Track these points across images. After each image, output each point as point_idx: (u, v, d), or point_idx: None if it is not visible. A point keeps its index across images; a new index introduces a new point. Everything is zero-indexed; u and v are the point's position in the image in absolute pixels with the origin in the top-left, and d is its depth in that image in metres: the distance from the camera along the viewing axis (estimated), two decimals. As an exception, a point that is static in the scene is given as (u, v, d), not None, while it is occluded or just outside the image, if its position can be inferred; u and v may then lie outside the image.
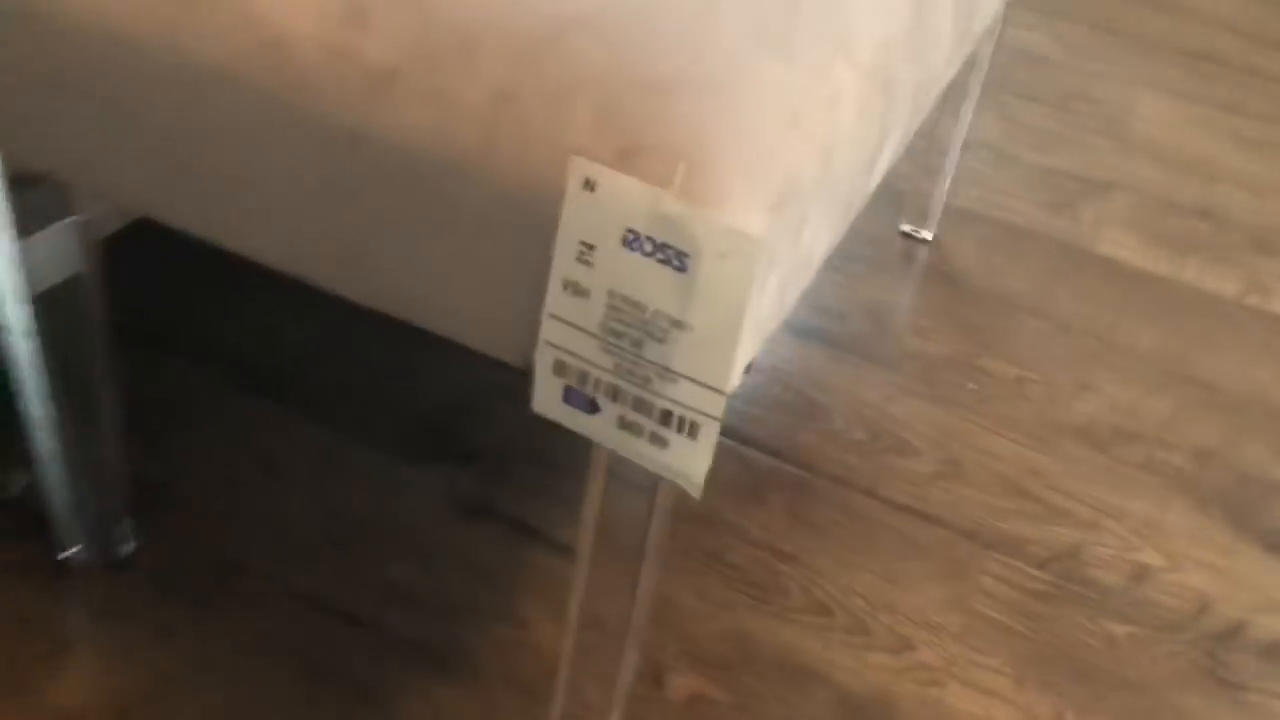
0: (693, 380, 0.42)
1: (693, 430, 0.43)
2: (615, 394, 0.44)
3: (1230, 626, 0.87)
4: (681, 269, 0.40)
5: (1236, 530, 0.95)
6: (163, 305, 0.97)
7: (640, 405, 0.43)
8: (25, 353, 0.68)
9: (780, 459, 0.94)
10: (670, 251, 0.40)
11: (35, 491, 0.74)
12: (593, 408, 0.44)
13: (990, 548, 0.89)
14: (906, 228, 1.21)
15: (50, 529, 0.76)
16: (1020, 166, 1.35)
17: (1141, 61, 1.58)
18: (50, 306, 0.67)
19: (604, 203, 0.40)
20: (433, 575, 0.80)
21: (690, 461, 0.44)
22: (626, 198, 0.40)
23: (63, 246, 0.65)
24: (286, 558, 0.79)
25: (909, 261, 1.18)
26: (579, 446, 0.48)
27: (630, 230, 0.40)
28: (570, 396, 0.45)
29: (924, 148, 1.16)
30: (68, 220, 0.65)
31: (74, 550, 0.76)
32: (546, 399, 0.45)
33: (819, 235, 0.49)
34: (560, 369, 0.44)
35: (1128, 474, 0.98)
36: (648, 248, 0.40)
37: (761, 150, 0.42)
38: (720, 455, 0.92)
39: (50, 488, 0.74)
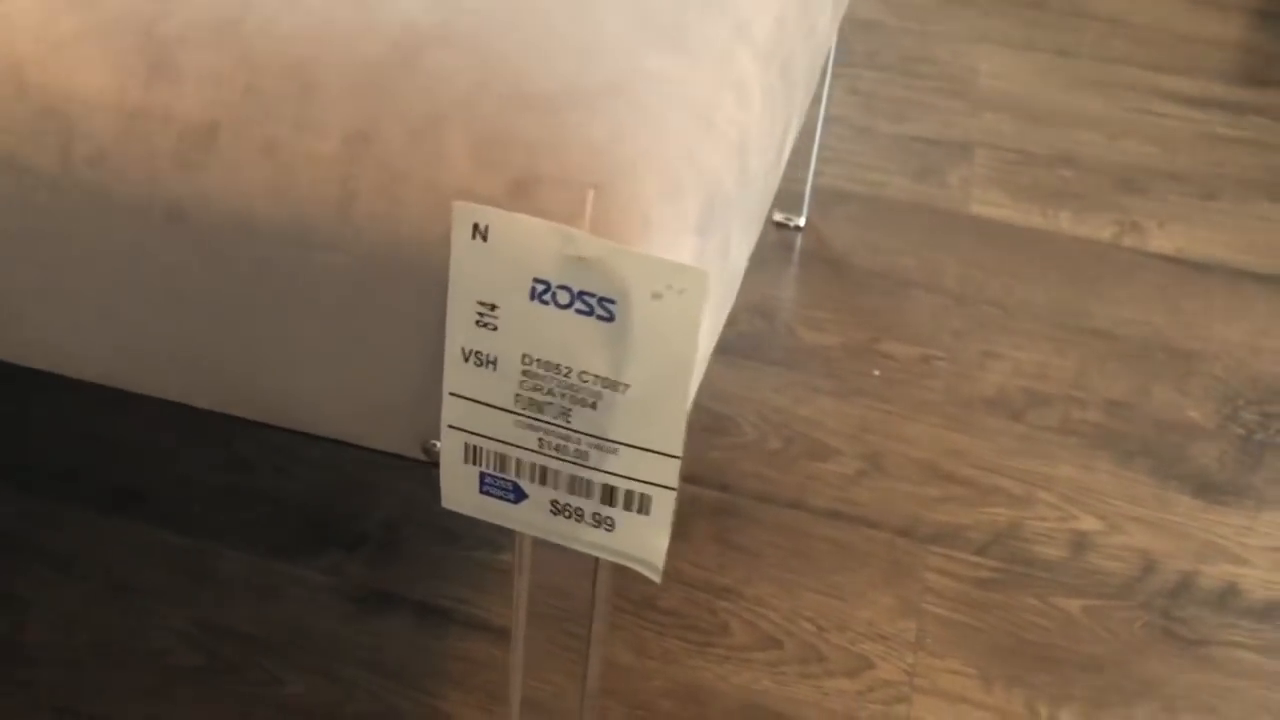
0: (637, 448, 0.34)
1: (643, 505, 0.36)
2: (544, 476, 0.36)
3: (1179, 581, 0.84)
4: (608, 318, 0.33)
5: (1163, 480, 0.92)
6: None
7: (575, 485, 0.36)
8: None
9: (696, 483, 0.87)
10: (591, 300, 0.33)
11: None
12: (518, 495, 0.37)
13: (928, 542, 0.85)
14: (778, 217, 1.16)
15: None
16: (879, 138, 1.31)
17: (970, 14, 1.58)
18: None
19: (501, 251, 0.33)
20: (339, 685, 0.71)
21: (644, 541, 0.36)
22: (528, 242, 0.32)
23: None
24: (157, 699, 0.69)
25: (787, 251, 1.13)
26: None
27: (538, 280, 0.33)
28: (488, 485, 0.37)
29: (784, 132, 1.11)
30: None
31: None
32: (458, 492, 0.38)
33: (741, 248, 0.43)
34: (472, 455, 0.36)
35: (1048, 439, 0.94)
36: (563, 298, 0.33)
37: (676, 162, 0.35)
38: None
39: None
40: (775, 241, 1.14)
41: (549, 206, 0.33)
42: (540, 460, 0.36)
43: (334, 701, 0.70)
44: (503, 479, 0.37)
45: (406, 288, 0.34)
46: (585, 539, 0.37)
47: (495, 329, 0.34)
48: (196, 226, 0.34)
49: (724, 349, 1.00)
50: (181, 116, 0.34)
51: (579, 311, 0.33)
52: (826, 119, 1.27)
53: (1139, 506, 0.89)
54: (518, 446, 0.36)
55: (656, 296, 0.32)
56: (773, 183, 0.48)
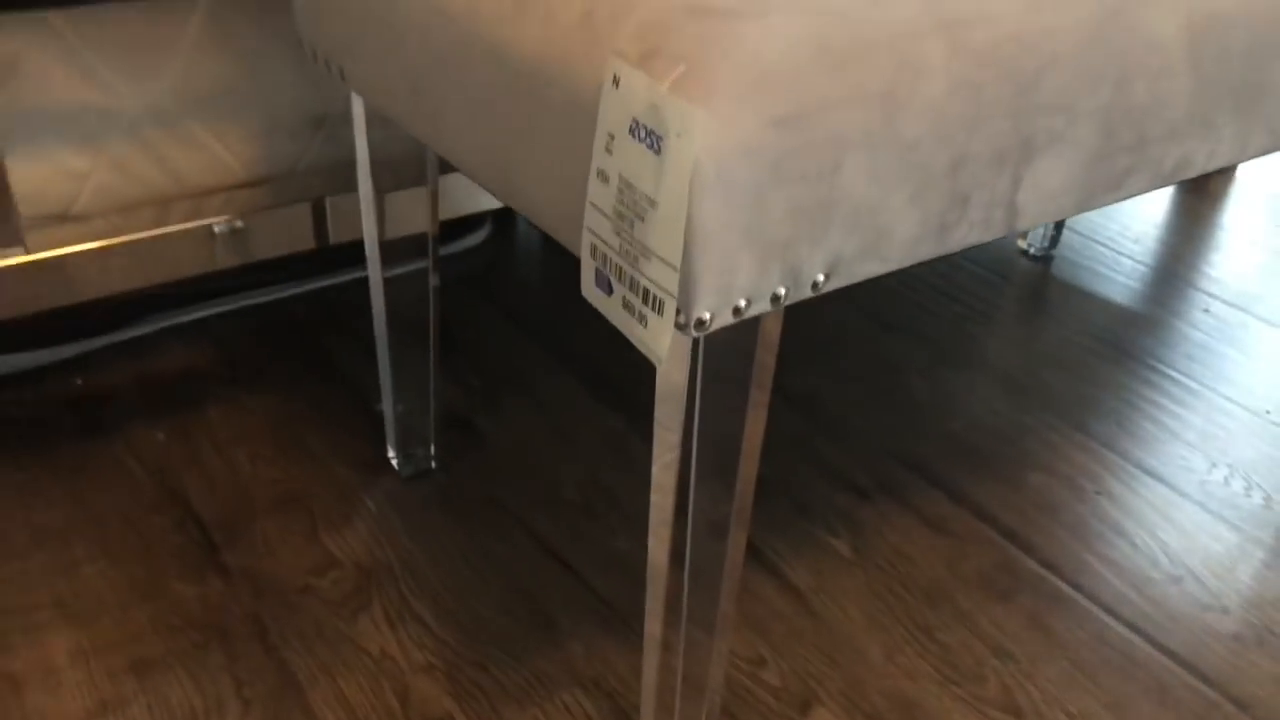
0: (659, 257, 0.46)
1: (659, 307, 0.47)
2: (620, 274, 0.49)
3: None
4: (656, 150, 0.45)
5: None
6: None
7: (633, 285, 0.49)
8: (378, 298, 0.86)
9: (1050, 567, 0.87)
10: (653, 136, 0.46)
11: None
12: (609, 289, 0.51)
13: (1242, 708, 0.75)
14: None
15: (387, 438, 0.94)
16: None
17: None
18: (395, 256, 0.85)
19: (622, 96, 0.47)
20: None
21: (658, 338, 0.48)
22: (634, 91, 0.47)
23: (417, 206, 0.84)
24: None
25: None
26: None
27: (634, 119, 0.47)
28: (599, 279, 0.51)
29: None
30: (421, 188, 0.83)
31: (394, 456, 0.94)
32: (587, 284, 0.52)
33: (889, 198, 0.51)
34: (593, 252, 0.51)
35: None
36: (642, 134, 0.46)
37: (775, 70, 0.46)
38: (989, 548, 0.88)
39: (385, 409, 0.92)
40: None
41: (657, 71, 0.46)
42: (619, 261, 0.49)
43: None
44: (604, 274, 0.51)
45: (589, 121, 0.50)
46: (634, 333, 0.49)
47: (611, 154, 0.48)
48: (510, 62, 0.54)
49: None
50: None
51: (646, 145, 0.46)
52: None
53: None
54: (610, 247, 0.50)
55: (679, 134, 0.44)
56: (975, 191, 0.54)
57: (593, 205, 0.50)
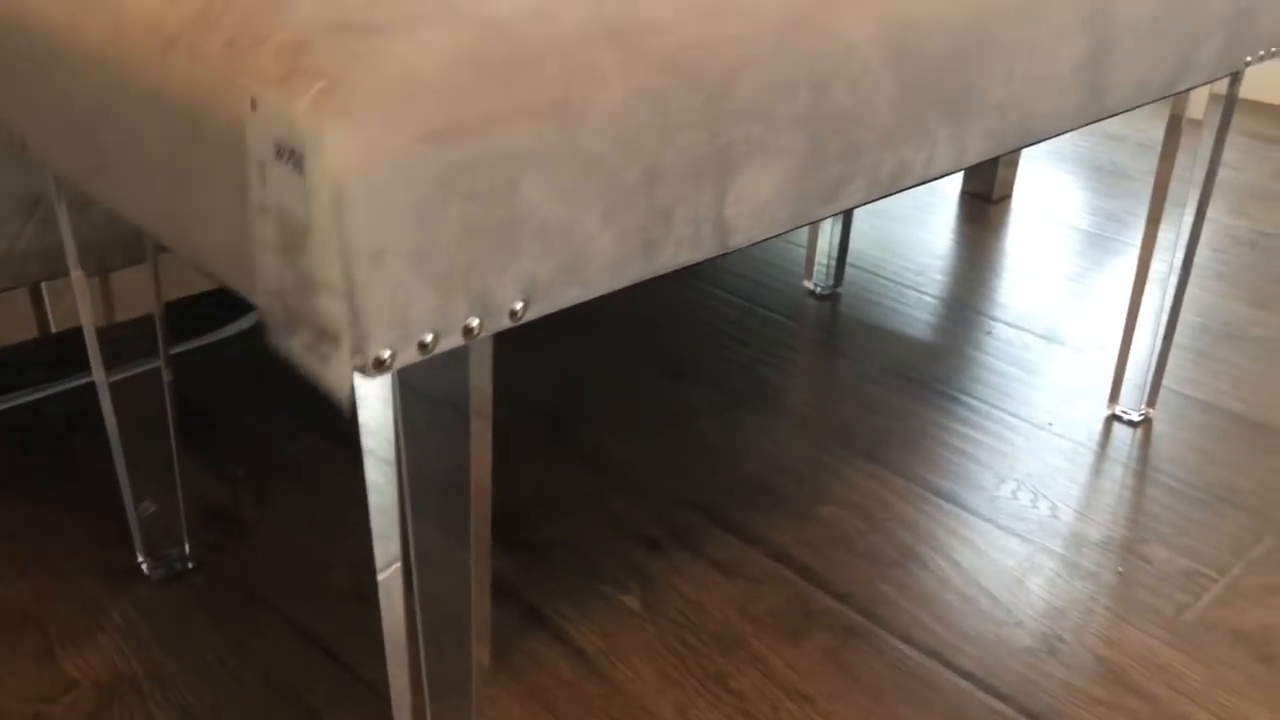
0: (324, 285, 0.42)
1: (334, 341, 0.43)
2: (296, 313, 0.45)
3: None
4: (301, 171, 0.42)
5: None
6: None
7: (309, 321, 0.44)
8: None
9: (844, 600, 0.85)
10: (295, 157, 0.42)
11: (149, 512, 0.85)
12: (290, 332, 0.46)
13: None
14: (1118, 410, 1.08)
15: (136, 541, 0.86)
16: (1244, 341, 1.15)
17: None
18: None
19: (262, 120, 0.43)
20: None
21: (338, 376, 0.44)
22: (273, 112, 0.43)
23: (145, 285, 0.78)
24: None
25: (1119, 441, 1.04)
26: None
27: (277, 142, 0.43)
28: (280, 323, 0.47)
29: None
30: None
31: (143, 561, 0.86)
32: (272, 331, 0.48)
33: (580, 216, 0.48)
34: (269, 295, 0.47)
35: (1295, 694, 0.77)
36: (286, 156, 0.43)
37: (426, 82, 0.43)
38: (783, 587, 0.85)
39: (129, 511, 0.85)
40: (1114, 431, 1.06)
41: (295, 90, 0.43)
42: (292, 300, 0.45)
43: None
44: (283, 316, 0.46)
45: (238, 157, 0.46)
46: (317, 372, 0.45)
47: (265, 184, 0.44)
48: (166, 103, 0.49)
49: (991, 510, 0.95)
50: (167, 24, 0.49)
51: (293, 168, 0.42)
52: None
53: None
54: (284, 286, 0.45)
55: (317, 152, 0.41)
56: (678, 208, 0.52)
57: (260, 244, 0.46)
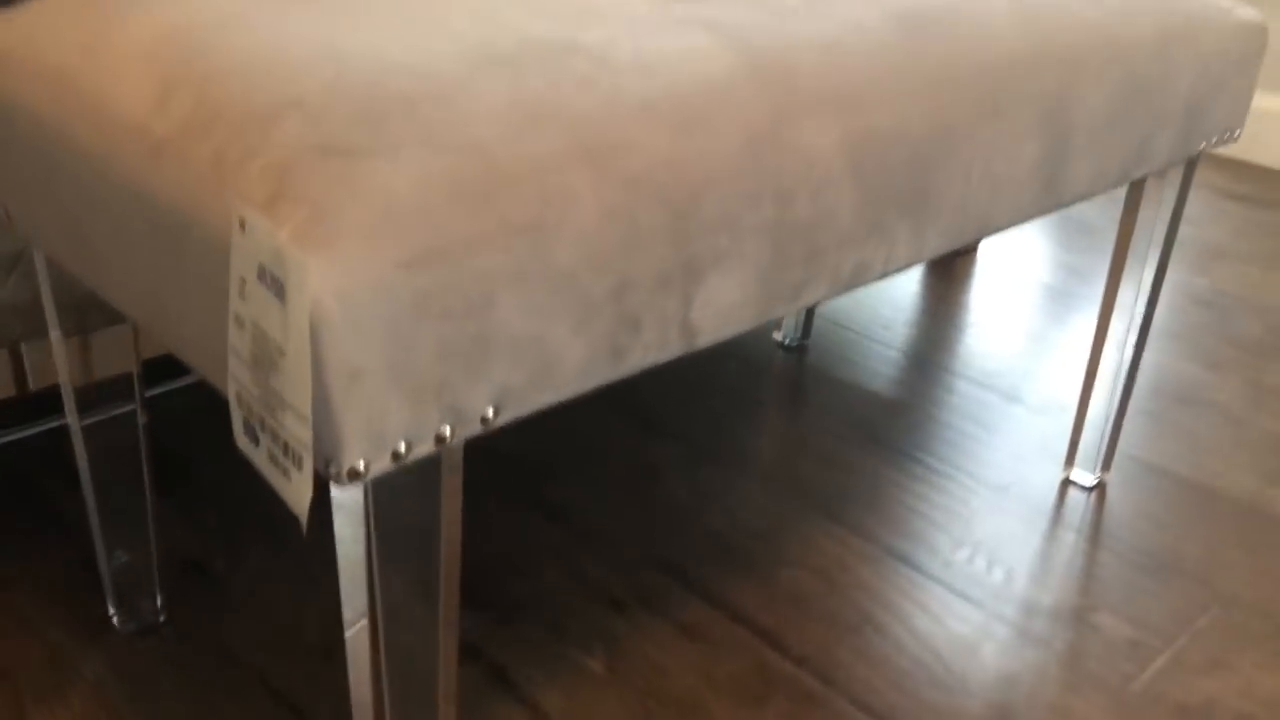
0: (292, 409, 0.44)
1: (298, 461, 0.45)
2: (263, 425, 0.47)
3: None
4: (281, 299, 0.44)
5: None
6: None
7: (275, 436, 0.46)
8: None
9: (804, 666, 0.87)
10: (277, 284, 0.44)
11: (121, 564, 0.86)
12: (256, 439, 0.48)
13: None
14: (1074, 475, 1.11)
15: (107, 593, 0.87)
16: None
17: None
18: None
19: (250, 241, 0.45)
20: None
21: (298, 495, 0.45)
22: (259, 236, 0.45)
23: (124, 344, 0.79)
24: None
25: (1074, 507, 1.07)
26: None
27: (260, 265, 0.45)
28: (246, 428, 0.49)
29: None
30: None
31: (114, 613, 0.87)
32: (238, 432, 0.49)
33: (551, 328, 0.50)
34: (239, 400, 0.48)
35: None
36: (268, 280, 0.44)
37: (405, 208, 0.45)
38: (744, 651, 0.87)
39: (100, 562, 0.86)
40: (1069, 498, 1.09)
41: (281, 216, 0.45)
42: (261, 411, 0.47)
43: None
44: (250, 424, 0.48)
45: (222, 265, 0.48)
46: (279, 486, 0.47)
47: (245, 300, 0.46)
48: (153, 208, 0.51)
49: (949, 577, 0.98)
50: (154, 132, 0.51)
51: (273, 293, 0.44)
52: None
53: None
54: (254, 397, 0.47)
55: (297, 283, 0.43)
56: (644, 315, 0.54)
57: (233, 351, 0.48)
